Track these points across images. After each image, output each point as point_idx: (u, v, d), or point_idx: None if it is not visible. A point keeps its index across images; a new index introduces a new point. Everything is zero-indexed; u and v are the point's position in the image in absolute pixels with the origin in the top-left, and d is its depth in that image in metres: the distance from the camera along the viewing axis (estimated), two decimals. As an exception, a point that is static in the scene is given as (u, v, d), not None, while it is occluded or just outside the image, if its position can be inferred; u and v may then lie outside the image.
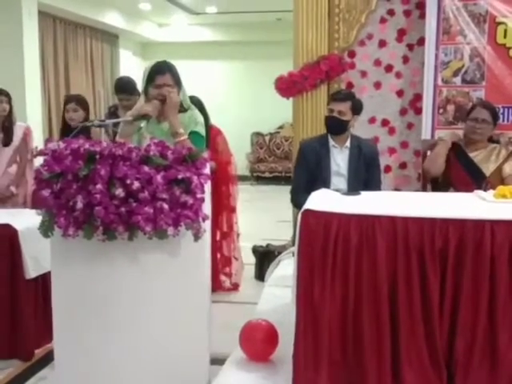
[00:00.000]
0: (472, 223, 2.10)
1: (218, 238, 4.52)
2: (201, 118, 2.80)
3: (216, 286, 4.25)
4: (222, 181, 4.49)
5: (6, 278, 3.15)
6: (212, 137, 4.34)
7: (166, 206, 2.11)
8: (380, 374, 2.10)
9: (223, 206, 4.53)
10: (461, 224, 2.10)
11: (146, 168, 2.10)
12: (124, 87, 4.27)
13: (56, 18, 8.69)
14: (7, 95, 3.86)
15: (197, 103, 4.34)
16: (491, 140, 3.59)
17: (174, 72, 2.76)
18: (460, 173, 3.40)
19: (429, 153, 3.72)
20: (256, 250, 4.99)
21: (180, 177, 2.13)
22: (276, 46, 10.21)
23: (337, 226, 2.14)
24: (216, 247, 4.46)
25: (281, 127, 11.80)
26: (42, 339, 3.27)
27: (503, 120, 4.16)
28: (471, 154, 3.46)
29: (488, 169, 3.41)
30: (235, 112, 11.27)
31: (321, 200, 2.39)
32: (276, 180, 11.16)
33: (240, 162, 11.08)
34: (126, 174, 2.07)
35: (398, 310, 2.12)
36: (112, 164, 2.08)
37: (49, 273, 2.73)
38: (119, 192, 2.07)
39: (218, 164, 4.39)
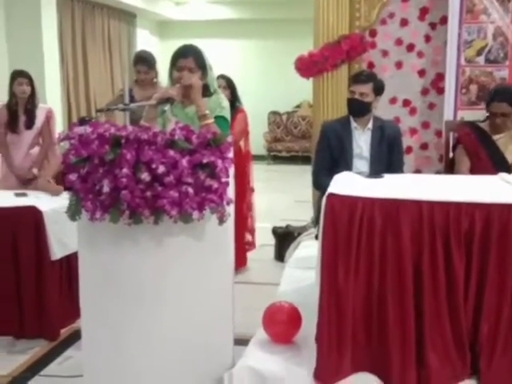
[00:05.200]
0: (498, 207, 2.09)
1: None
2: (226, 103, 2.79)
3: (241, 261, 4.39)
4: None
5: (31, 260, 3.21)
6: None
7: (190, 190, 2.12)
8: (404, 357, 2.11)
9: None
10: (487, 208, 2.09)
11: (172, 152, 2.10)
12: (144, 58, 4.27)
13: (74, -3, 8.69)
14: (28, 77, 3.86)
15: (228, 82, 4.36)
16: None
17: (198, 56, 2.73)
18: (482, 160, 3.36)
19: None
20: (276, 231, 5.00)
21: (205, 161, 2.13)
22: (295, 24, 10.12)
23: (361, 210, 2.13)
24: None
25: (298, 106, 11.74)
26: (67, 319, 3.33)
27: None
28: (494, 137, 3.42)
29: (511, 152, 3.37)
30: (252, 91, 11.18)
31: (344, 183, 2.39)
32: (293, 159, 11.14)
33: (257, 141, 11.13)
34: (151, 159, 2.08)
35: (422, 294, 2.12)
36: (138, 148, 2.09)
37: (73, 254, 2.78)
38: (145, 176, 2.07)
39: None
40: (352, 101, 3.36)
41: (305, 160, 9.63)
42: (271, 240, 5.00)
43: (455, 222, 2.09)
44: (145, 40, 10.97)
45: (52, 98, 7.34)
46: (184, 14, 11.55)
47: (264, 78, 11.49)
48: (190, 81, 2.64)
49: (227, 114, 2.75)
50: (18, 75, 3.85)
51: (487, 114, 3.51)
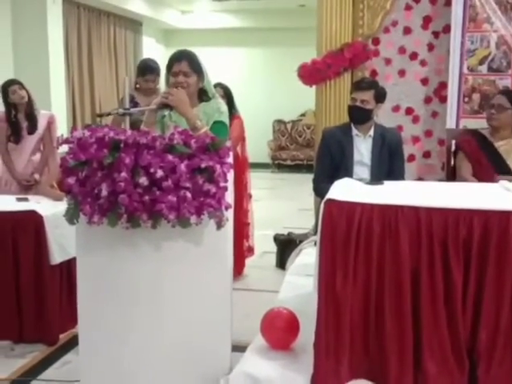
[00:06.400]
0: (497, 214, 2.08)
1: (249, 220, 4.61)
2: (225, 108, 2.79)
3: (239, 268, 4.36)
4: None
5: (31, 264, 3.21)
6: None
7: (189, 195, 2.12)
8: (402, 363, 2.10)
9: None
10: (485, 215, 2.08)
11: (170, 157, 2.10)
12: (153, 68, 4.28)
13: (80, 4, 8.73)
14: (19, 83, 3.84)
15: (225, 90, 4.36)
16: None
17: (191, 60, 2.74)
18: (483, 166, 3.36)
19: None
20: (277, 239, 4.99)
21: (203, 165, 2.13)
22: (299, 32, 10.15)
23: (359, 216, 2.13)
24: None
25: (303, 115, 11.76)
26: (67, 324, 3.32)
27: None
28: (497, 144, 3.42)
29: (514, 159, 3.37)
30: (257, 99, 11.26)
31: (344, 189, 2.38)
32: (298, 168, 11.14)
33: (262, 150, 11.18)
34: (149, 163, 2.08)
35: (420, 301, 2.11)
36: (136, 152, 2.10)
37: (73, 259, 2.78)
38: (143, 180, 2.08)
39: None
40: (353, 108, 3.36)
41: (309, 168, 9.62)
42: (273, 247, 4.99)
43: (453, 229, 2.08)
44: (150, 48, 11.03)
45: (57, 106, 7.37)
46: (189, 23, 11.61)
47: (269, 87, 11.52)
48: (174, 100, 2.60)
49: (226, 119, 2.75)
50: (8, 85, 3.81)
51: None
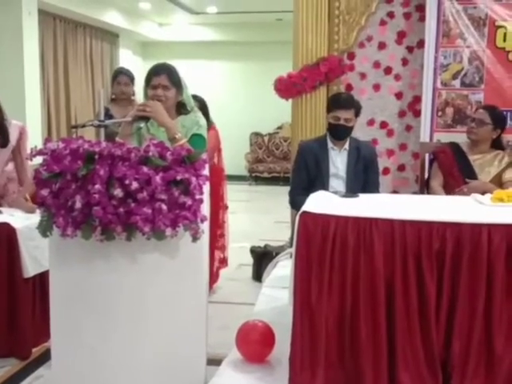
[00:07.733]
0: (469, 227, 2.11)
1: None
2: (203, 121, 2.80)
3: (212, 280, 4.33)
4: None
5: (4, 277, 3.15)
6: None
7: (164, 207, 2.11)
8: (376, 376, 2.12)
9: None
10: (458, 228, 2.11)
11: (145, 168, 2.09)
12: (125, 71, 4.38)
13: (56, 16, 8.68)
14: None
15: (200, 102, 4.37)
16: (499, 146, 3.59)
17: (170, 73, 2.74)
18: (455, 177, 3.41)
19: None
20: (254, 251, 4.99)
21: (179, 178, 2.13)
22: (276, 46, 10.23)
23: (334, 228, 2.15)
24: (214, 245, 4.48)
25: (280, 128, 11.81)
26: (40, 338, 3.27)
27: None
28: (474, 157, 3.48)
29: (489, 173, 3.42)
30: (234, 112, 11.30)
31: (319, 202, 2.40)
32: (274, 180, 11.17)
33: (239, 162, 11.20)
34: (124, 175, 2.07)
35: (394, 313, 2.13)
36: (111, 164, 2.08)
37: (47, 271, 2.75)
38: (118, 192, 2.06)
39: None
40: (338, 126, 3.34)
41: (286, 181, 9.66)
42: (250, 260, 4.98)
43: (426, 241, 2.11)
44: (127, 60, 10.98)
45: (32, 117, 7.28)
46: (167, 35, 11.62)
47: (246, 100, 11.56)
48: (152, 112, 2.62)
49: (204, 132, 2.76)
50: None
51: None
